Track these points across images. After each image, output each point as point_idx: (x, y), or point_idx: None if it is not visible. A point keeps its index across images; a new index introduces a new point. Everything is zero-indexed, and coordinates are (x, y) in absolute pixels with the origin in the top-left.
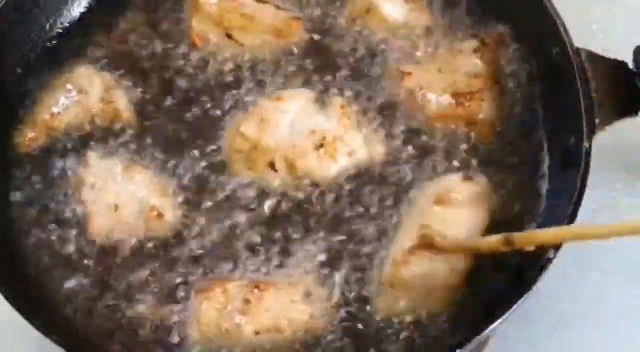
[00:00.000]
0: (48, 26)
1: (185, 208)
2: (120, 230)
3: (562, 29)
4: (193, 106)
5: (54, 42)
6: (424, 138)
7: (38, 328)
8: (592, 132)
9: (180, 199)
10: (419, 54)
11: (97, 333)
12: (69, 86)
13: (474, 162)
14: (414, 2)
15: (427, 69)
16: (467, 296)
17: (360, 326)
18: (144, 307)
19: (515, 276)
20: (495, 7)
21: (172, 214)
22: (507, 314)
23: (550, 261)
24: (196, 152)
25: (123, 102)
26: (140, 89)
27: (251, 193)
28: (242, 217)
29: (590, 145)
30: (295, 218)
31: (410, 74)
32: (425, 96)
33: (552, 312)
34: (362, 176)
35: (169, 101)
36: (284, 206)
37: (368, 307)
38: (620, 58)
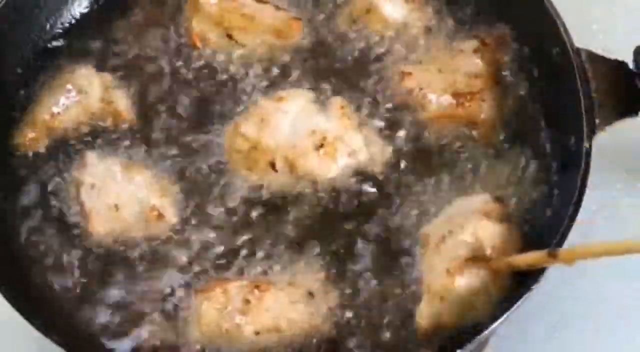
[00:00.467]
0: (48, 26)
1: (186, 208)
2: (121, 230)
3: (562, 29)
4: (193, 106)
5: (54, 42)
6: (424, 138)
7: (38, 328)
8: (592, 132)
9: (181, 198)
10: (419, 54)
11: (97, 333)
12: (69, 86)
13: (475, 162)
14: (414, 2)
15: (427, 69)
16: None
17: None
18: (144, 307)
19: (515, 276)
20: (495, 7)
21: (172, 214)
22: (507, 314)
23: None
24: (196, 152)
25: (123, 102)
26: (140, 89)
27: (251, 193)
28: (242, 217)
29: (590, 145)
30: (296, 218)
31: (410, 74)
32: (426, 96)
33: (552, 312)
34: (363, 176)
35: (168, 101)
36: (285, 206)
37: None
38: (620, 58)
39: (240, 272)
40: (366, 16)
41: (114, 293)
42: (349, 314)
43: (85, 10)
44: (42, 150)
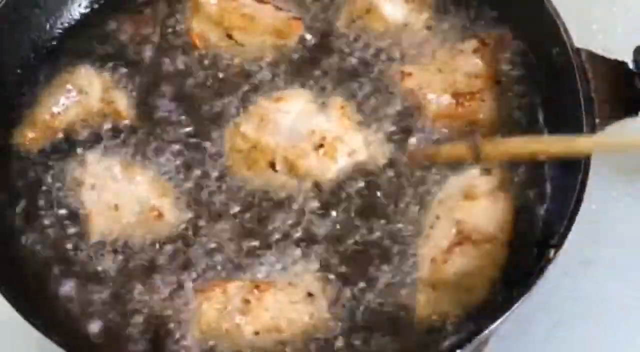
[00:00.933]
0: (48, 26)
1: (186, 208)
2: (121, 230)
3: (562, 29)
4: (193, 106)
5: (54, 42)
6: (425, 138)
7: (38, 328)
8: (592, 132)
9: (181, 198)
10: (419, 54)
11: (96, 333)
12: (69, 86)
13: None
14: (414, 2)
15: (427, 69)
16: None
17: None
18: (143, 307)
19: (515, 276)
20: (495, 7)
21: (172, 214)
22: (507, 314)
23: (549, 261)
24: (196, 152)
25: (123, 102)
26: (140, 89)
27: (252, 193)
28: (242, 217)
29: None
30: (295, 218)
31: (410, 74)
32: (425, 96)
33: (552, 312)
34: (364, 176)
35: (168, 101)
36: (286, 206)
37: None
38: (620, 58)
39: (240, 272)
40: (366, 16)
41: (114, 293)
42: (349, 313)
43: (85, 10)
44: (42, 150)
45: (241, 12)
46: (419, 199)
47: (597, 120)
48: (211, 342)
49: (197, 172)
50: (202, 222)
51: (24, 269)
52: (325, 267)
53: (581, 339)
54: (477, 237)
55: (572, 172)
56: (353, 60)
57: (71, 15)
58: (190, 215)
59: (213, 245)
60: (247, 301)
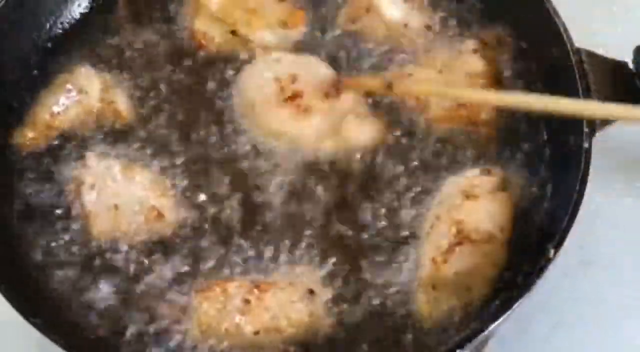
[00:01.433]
0: (48, 26)
1: (186, 207)
2: (121, 230)
3: (562, 29)
4: (194, 105)
5: (54, 43)
6: (425, 138)
7: (38, 328)
8: (591, 132)
9: (181, 198)
10: (419, 54)
11: (97, 332)
12: (69, 86)
13: (477, 162)
14: (414, 1)
15: (427, 69)
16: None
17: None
18: (143, 306)
19: (515, 276)
20: (495, 7)
21: (172, 214)
22: (507, 314)
23: (549, 261)
24: (196, 152)
25: (123, 102)
26: (140, 89)
27: (252, 193)
28: (242, 217)
29: (590, 146)
30: (295, 218)
31: (410, 74)
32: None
33: (552, 312)
34: (364, 175)
35: (169, 101)
36: (287, 205)
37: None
38: (620, 58)
39: (240, 272)
40: (366, 15)
41: (114, 293)
42: (349, 313)
43: (85, 10)
44: (42, 150)
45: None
46: (419, 199)
47: (597, 121)
48: (211, 342)
49: (198, 172)
50: (202, 222)
51: (24, 269)
52: (325, 267)
53: (581, 339)
54: (477, 237)
55: (572, 172)
56: (353, 61)
57: (71, 15)
58: (190, 214)
59: (213, 244)
60: (247, 301)
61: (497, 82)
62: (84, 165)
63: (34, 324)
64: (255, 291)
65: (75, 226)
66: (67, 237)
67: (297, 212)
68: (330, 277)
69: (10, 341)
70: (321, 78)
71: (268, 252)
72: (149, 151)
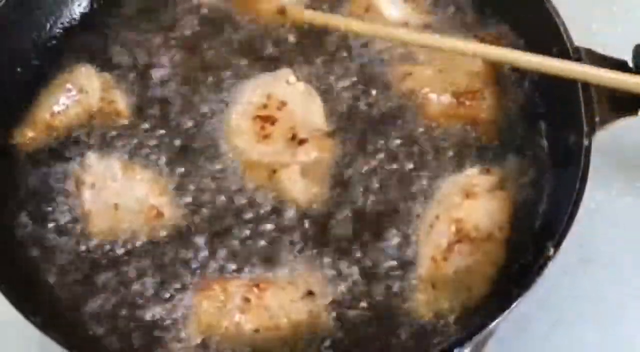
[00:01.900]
0: (48, 26)
1: (185, 207)
2: (121, 229)
3: (562, 29)
4: (195, 105)
5: (54, 42)
6: (425, 138)
7: (38, 327)
8: (591, 131)
9: (180, 198)
10: (419, 53)
11: (97, 332)
12: (69, 86)
13: (477, 161)
14: (414, 1)
15: (427, 68)
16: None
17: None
18: (143, 306)
19: (514, 274)
20: (495, 6)
21: (171, 213)
22: (506, 313)
23: (549, 259)
24: (197, 153)
25: (123, 102)
26: (140, 89)
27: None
28: (243, 216)
29: (590, 144)
30: (295, 218)
31: (410, 74)
32: (426, 96)
33: (551, 311)
34: (364, 175)
35: (169, 101)
36: (285, 206)
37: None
38: (620, 57)
39: (241, 271)
40: (366, 15)
41: (114, 292)
42: (349, 312)
43: (85, 10)
44: (42, 149)
45: None
46: (418, 198)
47: (596, 119)
48: (211, 341)
49: (198, 172)
50: (202, 221)
51: (24, 269)
52: (325, 266)
53: (580, 338)
54: (476, 236)
55: (572, 171)
56: (353, 61)
57: (71, 15)
58: (190, 213)
59: (213, 244)
60: (247, 300)
61: (497, 81)
62: (84, 165)
63: (34, 323)
64: (255, 289)
65: (75, 225)
66: (67, 236)
67: (300, 216)
68: (330, 277)
69: (10, 341)
70: (305, 123)
71: (269, 251)
72: (148, 151)
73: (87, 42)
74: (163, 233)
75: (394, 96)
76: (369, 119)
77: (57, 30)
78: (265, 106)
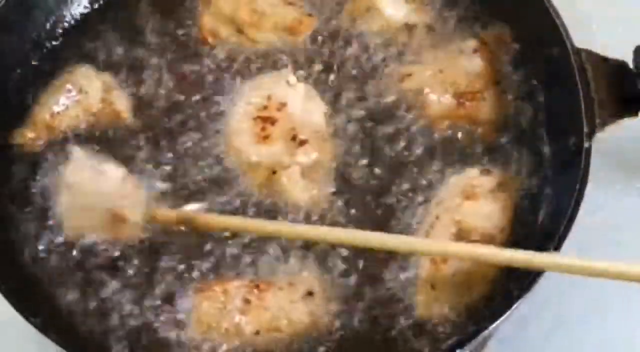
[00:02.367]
0: (48, 26)
1: (184, 207)
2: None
3: (562, 29)
4: (196, 107)
5: (54, 42)
6: (425, 139)
7: (38, 328)
8: (592, 132)
9: (179, 200)
10: (419, 54)
11: (97, 333)
12: (69, 86)
13: (477, 162)
14: (414, 1)
15: (427, 69)
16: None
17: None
18: (143, 306)
19: (514, 276)
20: (495, 7)
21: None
22: (507, 314)
23: None
24: (197, 152)
25: (123, 103)
26: (141, 90)
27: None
28: (243, 215)
29: (590, 145)
30: (294, 218)
31: (410, 74)
32: (426, 96)
33: (552, 312)
34: (364, 174)
35: (170, 102)
36: (284, 206)
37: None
38: (620, 58)
39: (241, 272)
40: (366, 15)
41: (114, 293)
42: (348, 313)
43: (85, 10)
44: (42, 150)
45: (252, 8)
46: (418, 200)
47: (597, 120)
48: (211, 342)
49: (197, 173)
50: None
51: (24, 269)
52: (325, 266)
53: (580, 338)
54: (476, 238)
55: (572, 172)
56: (353, 61)
57: (71, 15)
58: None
59: (213, 244)
60: (247, 301)
61: (497, 82)
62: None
63: (34, 324)
64: (256, 290)
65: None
66: (67, 236)
67: (299, 216)
68: (330, 277)
69: (10, 341)
70: (305, 124)
71: (269, 251)
72: (147, 151)
73: (87, 43)
74: (163, 232)
75: (393, 97)
76: (369, 119)
77: (57, 31)
78: (265, 107)
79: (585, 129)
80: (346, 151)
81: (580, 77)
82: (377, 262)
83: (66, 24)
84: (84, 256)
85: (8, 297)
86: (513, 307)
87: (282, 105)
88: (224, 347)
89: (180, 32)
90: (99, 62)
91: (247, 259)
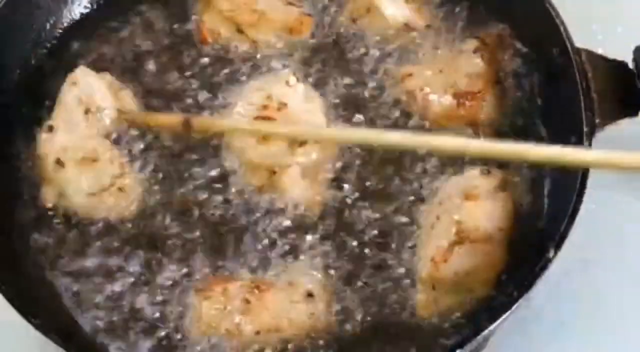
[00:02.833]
0: (48, 26)
1: (183, 207)
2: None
3: (562, 29)
4: (195, 105)
5: (54, 42)
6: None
7: (38, 328)
8: (591, 132)
9: (179, 198)
10: (419, 54)
11: (97, 333)
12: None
13: (477, 162)
14: (414, 1)
15: (427, 69)
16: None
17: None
18: (143, 306)
19: (515, 276)
20: (495, 7)
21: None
22: (507, 314)
23: (549, 261)
24: (197, 152)
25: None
26: (141, 90)
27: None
28: (243, 217)
29: (590, 145)
30: (294, 218)
31: (410, 74)
32: (426, 97)
33: (552, 312)
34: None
35: (170, 102)
36: (284, 207)
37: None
38: (620, 58)
39: (241, 272)
40: (366, 15)
41: (114, 293)
42: (349, 313)
43: (85, 10)
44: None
45: (252, 8)
46: (419, 200)
47: (597, 120)
48: (211, 342)
49: (198, 172)
50: (200, 221)
51: (24, 269)
52: (325, 267)
53: (581, 339)
54: (477, 237)
55: (572, 172)
56: (354, 60)
57: (71, 15)
58: (190, 213)
59: (213, 244)
60: (247, 301)
61: (497, 82)
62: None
63: (34, 325)
64: (256, 291)
65: (76, 225)
66: (67, 236)
67: (299, 216)
68: (330, 278)
69: (10, 341)
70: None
71: (269, 252)
72: (147, 151)
73: (87, 43)
74: (163, 232)
75: (394, 97)
76: (369, 120)
77: (57, 31)
78: (265, 107)
79: (585, 129)
80: (346, 151)
81: (580, 77)
82: (377, 263)
83: (66, 24)
84: (86, 255)
85: (8, 297)
86: (513, 308)
87: (282, 105)
88: (224, 347)
89: (180, 32)
90: (99, 62)
91: (248, 259)
